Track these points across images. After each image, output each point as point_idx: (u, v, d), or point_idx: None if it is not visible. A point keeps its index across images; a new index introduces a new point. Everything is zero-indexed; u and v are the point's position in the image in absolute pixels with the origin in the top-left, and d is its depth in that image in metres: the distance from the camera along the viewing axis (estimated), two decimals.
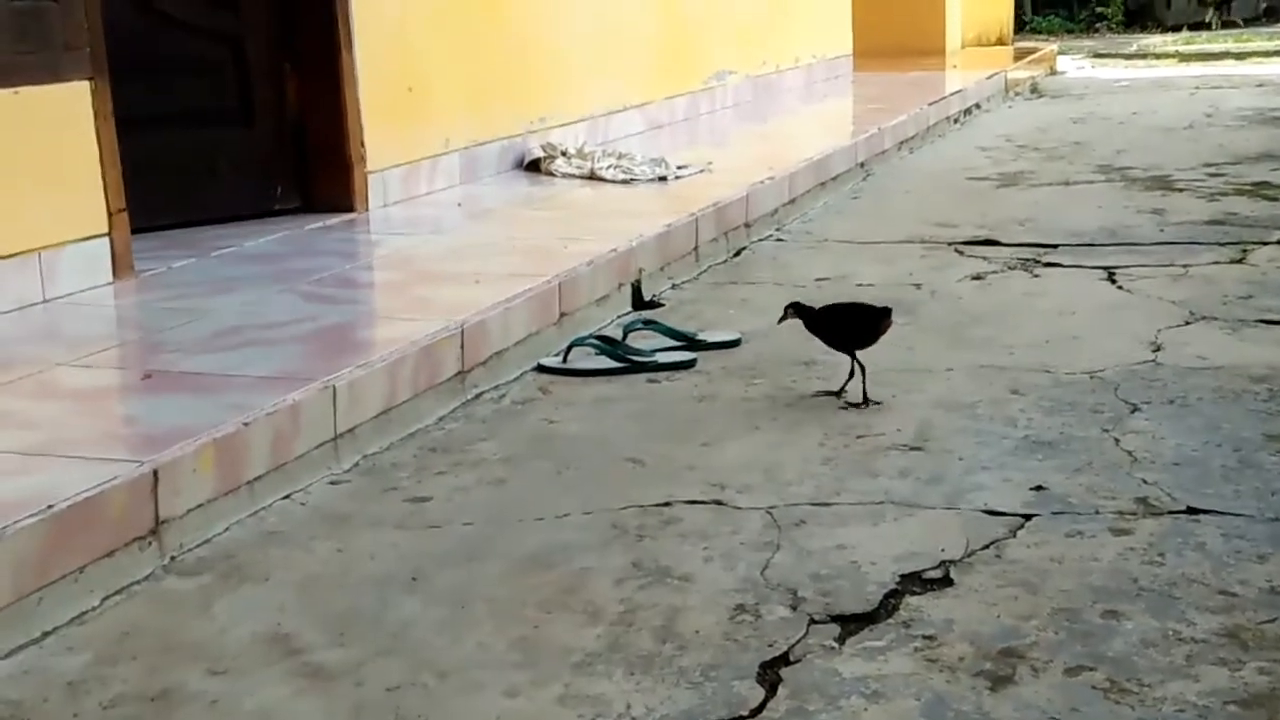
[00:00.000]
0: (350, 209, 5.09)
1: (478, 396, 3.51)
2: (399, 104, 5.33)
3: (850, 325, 3.43)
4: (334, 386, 3.04)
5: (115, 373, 3.26)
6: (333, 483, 2.96)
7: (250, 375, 3.12)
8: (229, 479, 2.73)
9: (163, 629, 2.32)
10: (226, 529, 2.70)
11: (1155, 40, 15.03)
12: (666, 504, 2.79)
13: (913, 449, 3.05)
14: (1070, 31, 16.88)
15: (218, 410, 2.85)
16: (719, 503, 2.79)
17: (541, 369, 3.73)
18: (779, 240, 5.40)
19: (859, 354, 3.38)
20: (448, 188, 5.60)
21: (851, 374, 3.39)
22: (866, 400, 3.34)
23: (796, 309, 3.48)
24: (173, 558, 2.57)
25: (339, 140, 5.07)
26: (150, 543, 2.53)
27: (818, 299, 4.36)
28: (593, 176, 5.84)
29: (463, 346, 3.48)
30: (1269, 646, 2.14)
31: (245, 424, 2.79)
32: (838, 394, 3.40)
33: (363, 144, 5.11)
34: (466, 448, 3.17)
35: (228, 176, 4.92)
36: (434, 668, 2.17)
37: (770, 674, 2.12)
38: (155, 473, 2.56)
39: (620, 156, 6.07)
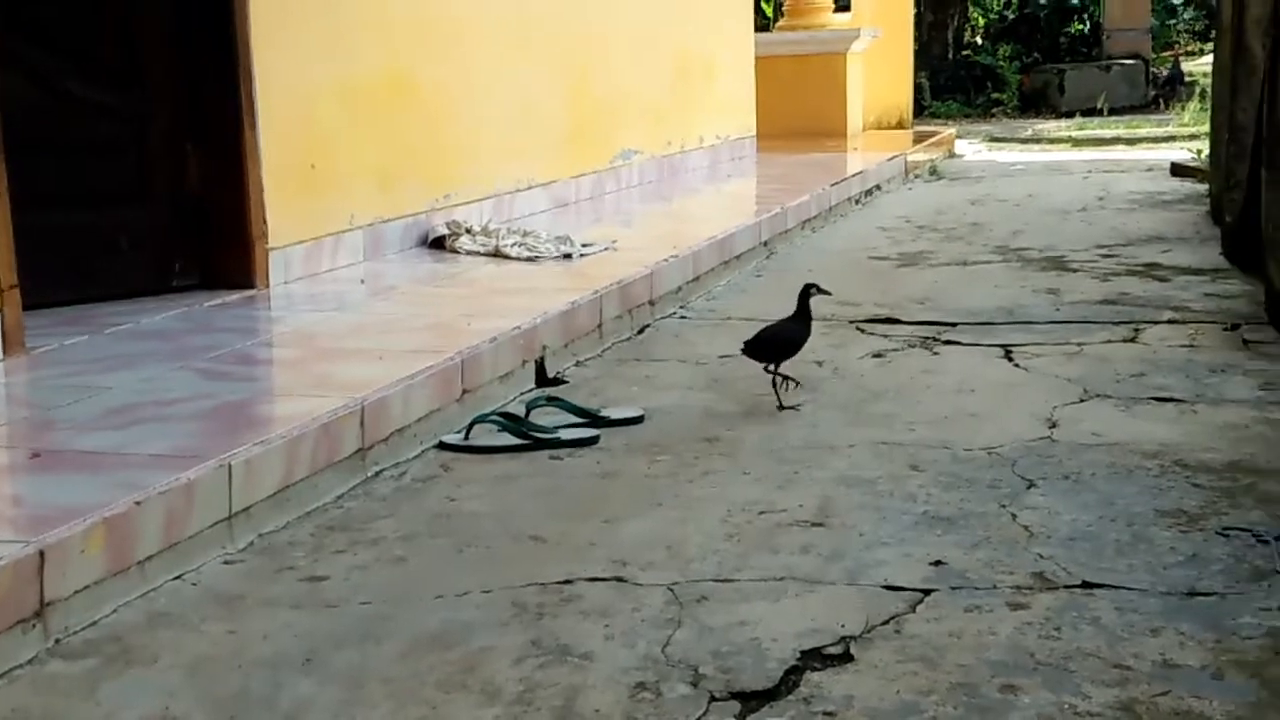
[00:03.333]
0: (251, 286, 5.04)
1: (378, 474, 3.47)
2: (302, 181, 5.31)
3: (776, 343, 4.01)
4: (230, 464, 2.99)
5: (2, 451, 3.18)
6: (226, 562, 2.90)
7: (143, 453, 3.06)
8: (119, 559, 2.66)
9: (47, 714, 2.25)
10: (115, 610, 2.63)
11: (1050, 125, 15.43)
12: (568, 581, 2.77)
13: (814, 525, 3.06)
14: (968, 115, 17.29)
15: (109, 489, 2.78)
16: (620, 580, 2.78)
17: (443, 446, 3.70)
18: (683, 318, 5.43)
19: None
20: (351, 264, 5.57)
21: (784, 383, 3.95)
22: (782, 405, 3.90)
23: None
24: (58, 640, 2.50)
25: (240, 217, 5.03)
26: (35, 625, 2.46)
27: (721, 376, 4.40)
28: (497, 254, 5.84)
29: (363, 423, 3.45)
30: (1162, 719, 2.16)
31: (137, 503, 2.73)
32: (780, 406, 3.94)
33: (265, 221, 5.08)
34: (365, 526, 3.13)
35: (126, 253, 4.86)
36: None
37: None
38: (41, 553, 2.49)
39: (525, 234, 6.09)
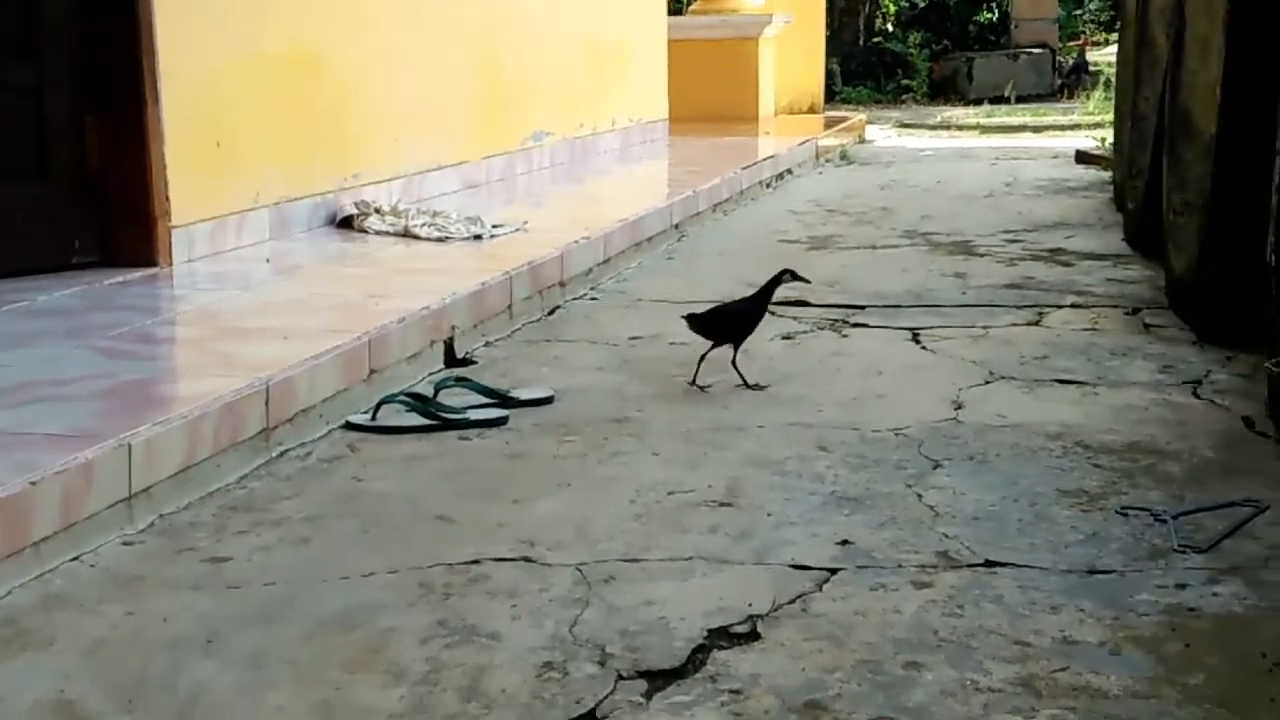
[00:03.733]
0: (153, 264, 4.95)
1: (283, 454, 3.43)
2: (207, 158, 5.22)
3: (729, 323, 4.01)
4: (129, 444, 2.93)
5: None
6: (126, 543, 2.85)
7: (39, 433, 2.99)
8: (13, 540, 2.60)
9: None
10: (8, 593, 2.57)
11: (958, 112, 15.60)
12: (475, 562, 2.75)
13: (723, 505, 3.07)
14: (879, 102, 17.44)
15: (2, 469, 2.71)
16: (528, 560, 2.76)
17: (350, 426, 3.66)
18: (593, 299, 5.42)
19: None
20: (257, 244, 5.49)
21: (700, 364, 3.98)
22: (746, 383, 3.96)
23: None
24: None
25: (142, 194, 4.93)
26: None
27: (631, 358, 4.40)
28: (407, 234, 5.79)
29: (268, 403, 3.40)
30: (1061, 695, 2.19)
31: (32, 483, 2.67)
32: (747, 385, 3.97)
33: (167, 198, 4.98)
34: (269, 506, 3.08)
35: (23, 231, 4.75)
36: None
37: None
38: None
39: (435, 214, 6.04)
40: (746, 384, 3.98)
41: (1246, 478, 3.17)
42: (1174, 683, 2.23)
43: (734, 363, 4.01)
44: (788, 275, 4.10)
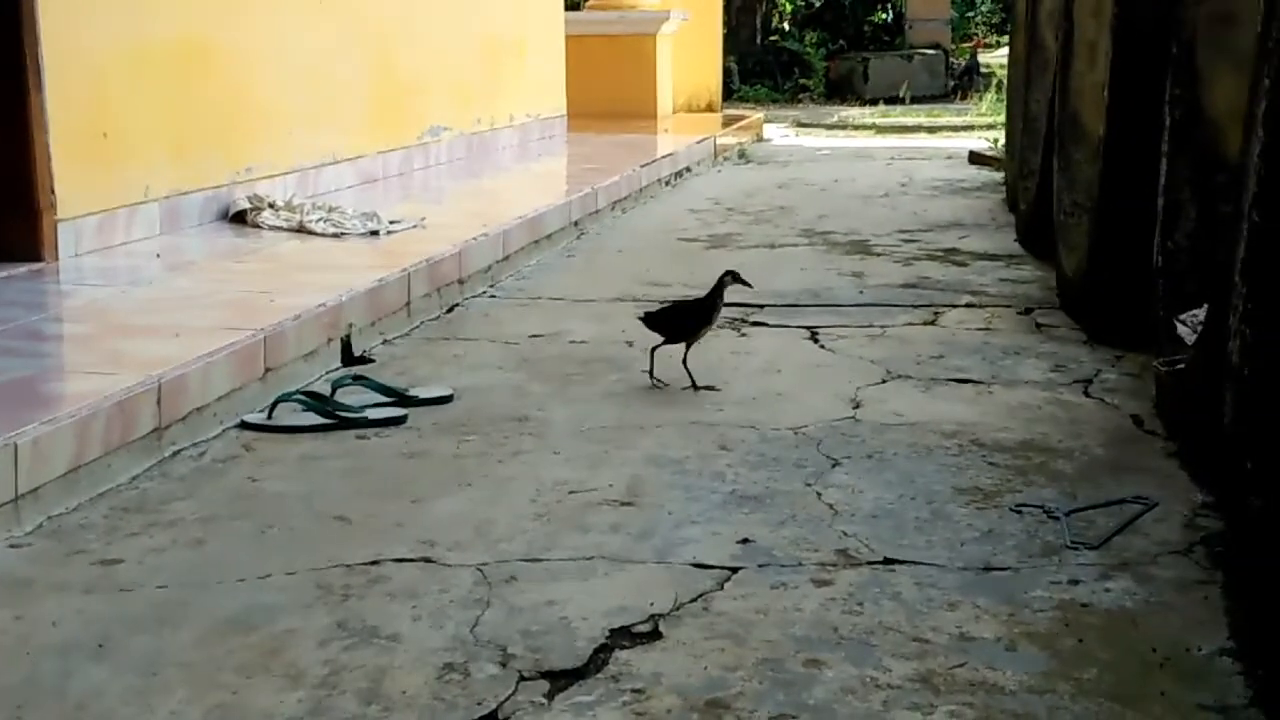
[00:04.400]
0: (38, 258, 4.82)
1: (176, 454, 3.36)
2: (93, 150, 5.10)
3: (683, 322, 4.02)
4: (15, 444, 2.85)
5: None
6: (12, 546, 2.77)
7: None
8: None
9: None
10: None
11: (855, 112, 15.75)
12: (374, 562, 2.72)
13: (624, 504, 3.07)
14: (776, 101, 17.54)
15: None
16: (429, 560, 2.74)
17: (245, 426, 3.60)
18: (492, 297, 5.39)
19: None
20: (147, 238, 5.37)
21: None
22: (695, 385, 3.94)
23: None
24: None
25: (26, 186, 4.80)
26: None
27: (531, 356, 4.38)
28: (301, 229, 5.71)
29: (159, 402, 3.33)
30: (959, 690, 2.22)
31: None
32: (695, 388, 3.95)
33: (52, 190, 4.86)
34: (162, 507, 3.02)
35: None
36: None
37: None
38: None
39: (331, 210, 5.96)
40: (695, 385, 3.97)
41: (1136, 475, 3.24)
42: (1068, 677, 2.27)
43: (684, 362, 4.01)
44: (729, 278, 4.07)
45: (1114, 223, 4.32)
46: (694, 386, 3.96)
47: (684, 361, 4.01)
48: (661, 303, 5.17)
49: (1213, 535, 2.85)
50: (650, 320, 4.10)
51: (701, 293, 4.18)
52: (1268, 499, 2.23)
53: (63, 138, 4.90)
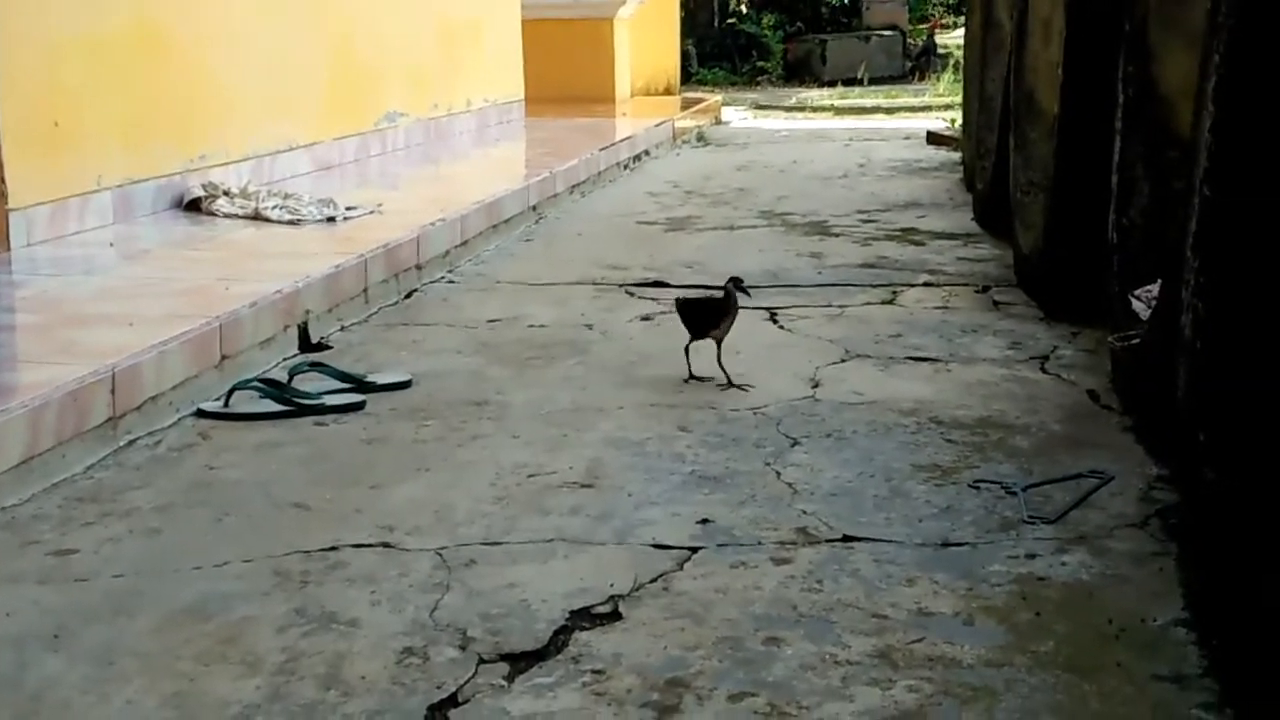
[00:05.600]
0: None
1: (131, 443, 3.33)
2: (45, 139, 5.05)
3: (702, 314, 3.89)
4: None
5: None
6: None
7: None
8: None
9: None
10: None
11: (813, 94, 15.77)
12: (333, 548, 2.71)
13: (584, 486, 3.07)
14: (734, 83, 17.54)
15: None
16: (387, 545, 2.73)
17: (202, 414, 3.57)
18: (451, 282, 5.37)
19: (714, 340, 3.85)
20: (100, 227, 5.32)
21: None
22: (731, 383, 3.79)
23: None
24: None
25: None
26: None
27: (490, 340, 4.37)
28: (257, 216, 5.67)
29: (114, 391, 3.30)
30: (917, 665, 2.24)
31: None
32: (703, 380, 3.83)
33: (3, 179, 4.80)
34: (117, 497, 3.00)
35: None
36: None
37: (438, 716, 2.08)
38: None
39: (287, 196, 5.92)
40: (730, 383, 3.81)
41: (1092, 450, 3.26)
42: (1025, 650, 2.28)
43: (718, 360, 3.87)
44: (732, 284, 3.89)
45: (1069, 200, 4.34)
46: (729, 383, 3.82)
47: (718, 360, 3.86)
48: (621, 285, 5.17)
49: (1168, 508, 2.87)
50: (685, 308, 3.95)
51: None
52: (1221, 471, 2.25)
53: (13, 127, 4.84)
